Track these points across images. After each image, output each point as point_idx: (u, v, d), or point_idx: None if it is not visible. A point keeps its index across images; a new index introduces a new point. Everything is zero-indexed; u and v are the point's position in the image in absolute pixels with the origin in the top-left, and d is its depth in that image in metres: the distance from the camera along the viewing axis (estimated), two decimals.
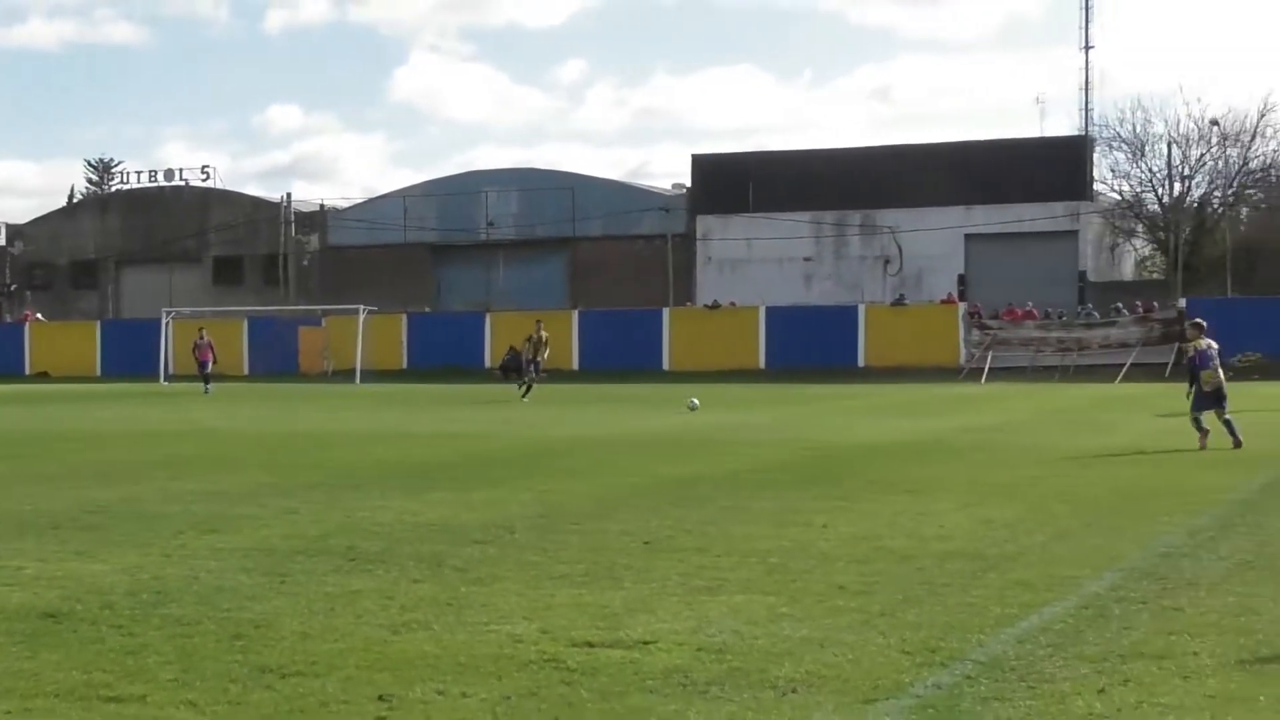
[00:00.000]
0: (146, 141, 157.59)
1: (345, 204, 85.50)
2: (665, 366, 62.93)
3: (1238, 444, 23.05)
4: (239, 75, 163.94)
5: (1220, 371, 24.23)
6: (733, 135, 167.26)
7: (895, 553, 12.69)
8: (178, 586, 11.40)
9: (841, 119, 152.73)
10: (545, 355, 43.98)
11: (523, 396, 41.76)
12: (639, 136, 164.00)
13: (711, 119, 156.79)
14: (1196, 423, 23.74)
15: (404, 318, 68.85)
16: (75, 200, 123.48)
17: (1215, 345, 24.58)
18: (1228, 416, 23.69)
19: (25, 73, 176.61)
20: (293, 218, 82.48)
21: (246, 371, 67.19)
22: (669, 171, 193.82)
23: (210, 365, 52.40)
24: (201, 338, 53.32)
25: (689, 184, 77.89)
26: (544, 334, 44.08)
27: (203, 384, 51.16)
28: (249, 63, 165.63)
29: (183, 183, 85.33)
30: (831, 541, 13.38)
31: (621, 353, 62.47)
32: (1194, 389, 24.08)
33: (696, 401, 33.39)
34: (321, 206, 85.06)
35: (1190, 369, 24.49)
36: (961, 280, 70.20)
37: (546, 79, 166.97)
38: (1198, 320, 25.75)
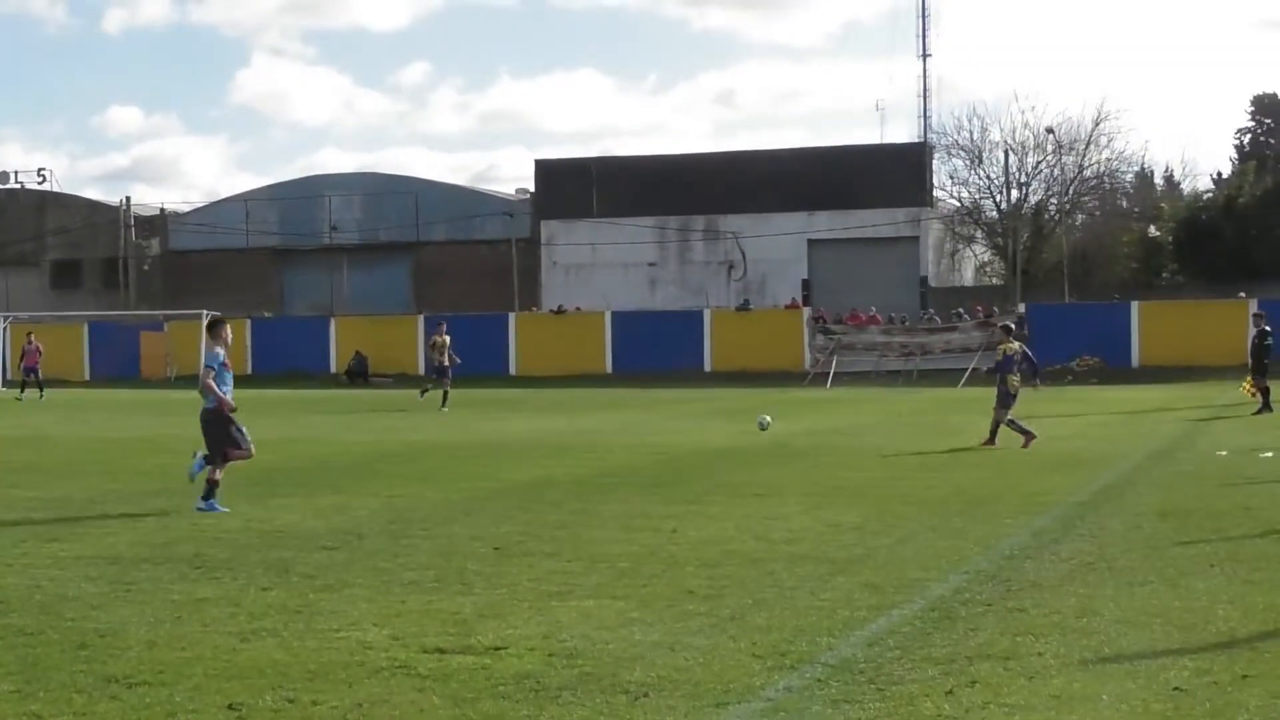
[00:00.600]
0: None
1: (186, 208, 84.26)
2: (512, 371, 62.75)
3: (991, 443, 24.41)
4: (77, 76, 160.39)
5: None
6: (578, 139, 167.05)
7: (744, 556, 12.77)
8: (19, 596, 11.18)
9: (686, 124, 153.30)
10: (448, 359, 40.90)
11: (442, 405, 39.12)
12: (484, 140, 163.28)
13: (556, 123, 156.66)
14: (1013, 424, 24.45)
15: (248, 322, 67.94)
16: None
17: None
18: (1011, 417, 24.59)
19: None
20: (132, 221, 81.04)
21: (87, 377, 65.96)
22: (516, 176, 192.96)
23: (38, 372, 50.71)
24: (30, 343, 51.51)
25: (533, 188, 77.80)
26: (446, 337, 41.60)
27: (19, 389, 50.60)
28: (87, 63, 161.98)
29: (17, 185, 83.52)
30: (681, 546, 13.44)
31: (468, 357, 61.73)
32: (1000, 390, 24.89)
33: (769, 419, 29.81)
34: (162, 210, 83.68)
35: (998, 369, 25.34)
36: (805, 285, 70.76)
37: (390, 82, 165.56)
38: (1008, 324, 26.59)
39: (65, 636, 9.68)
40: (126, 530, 14.91)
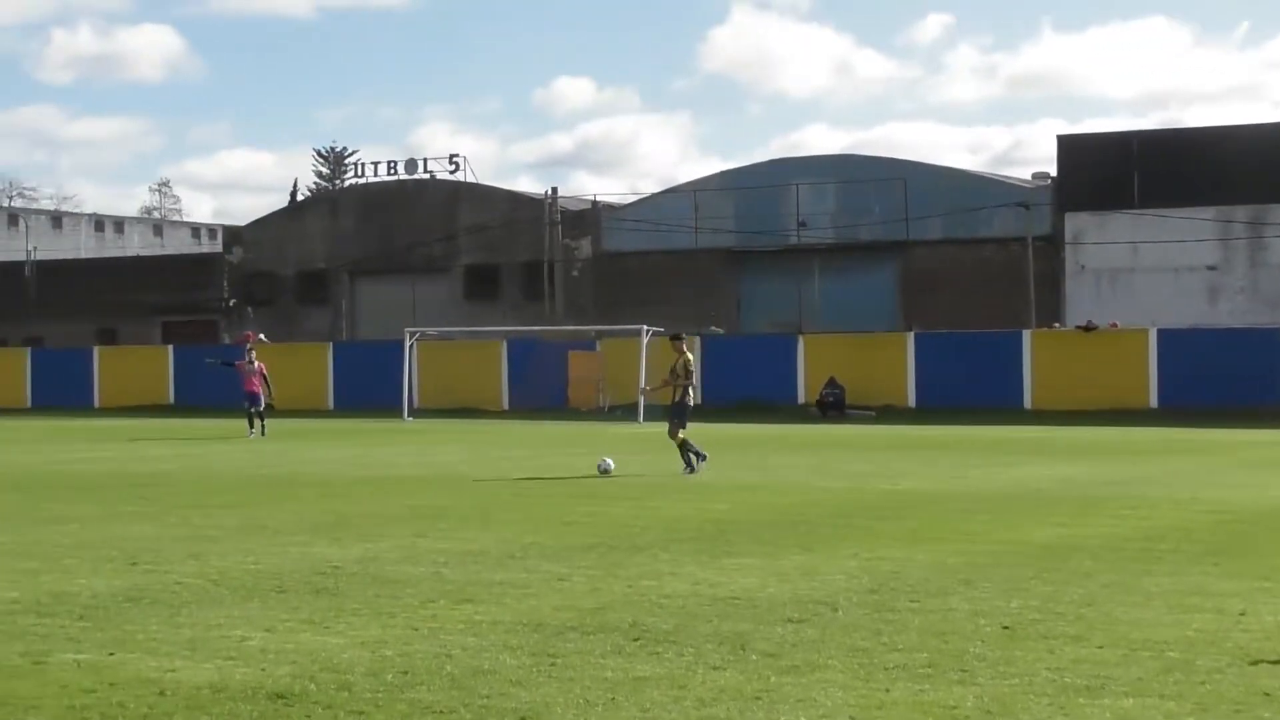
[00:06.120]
0: (402, 124, 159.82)
1: (633, 198, 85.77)
2: (1027, 404, 62.13)
3: None
4: (520, 41, 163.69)
5: None
6: (1132, 108, 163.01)
7: None
8: (427, 666, 11.67)
9: None
10: None
11: None
12: (1009, 112, 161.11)
13: (1106, 87, 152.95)
14: None
15: (696, 341, 68.98)
16: (300, 198, 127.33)
17: None
18: None
19: (281, 45, 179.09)
20: (559, 218, 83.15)
21: (506, 405, 67.50)
22: (1044, 157, 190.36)
23: (264, 399, 47.38)
24: (249, 360, 48.37)
25: (1054, 173, 76.81)
26: None
27: (248, 424, 47.10)
28: (533, 25, 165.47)
29: (427, 175, 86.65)
30: (1252, 633, 13.10)
31: (969, 387, 61.79)
32: None
33: (610, 462, 31.15)
34: (594, 204, 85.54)
35: None
36: None
37: (899, 41, 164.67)
38: None
39: (479, 716, 10.06)
40: (551, 592, 15.37)
